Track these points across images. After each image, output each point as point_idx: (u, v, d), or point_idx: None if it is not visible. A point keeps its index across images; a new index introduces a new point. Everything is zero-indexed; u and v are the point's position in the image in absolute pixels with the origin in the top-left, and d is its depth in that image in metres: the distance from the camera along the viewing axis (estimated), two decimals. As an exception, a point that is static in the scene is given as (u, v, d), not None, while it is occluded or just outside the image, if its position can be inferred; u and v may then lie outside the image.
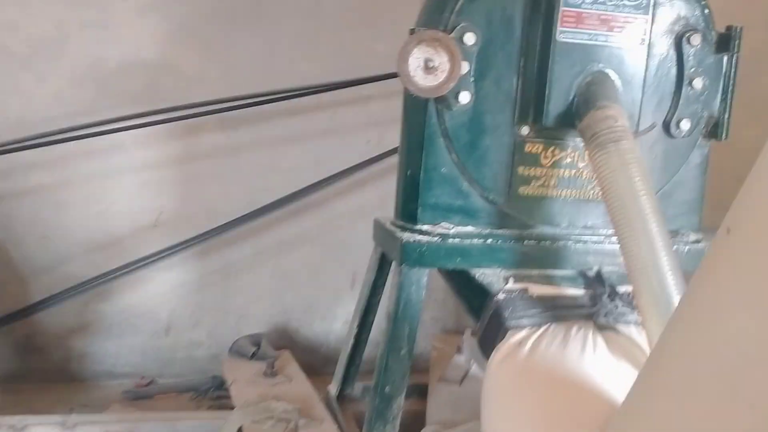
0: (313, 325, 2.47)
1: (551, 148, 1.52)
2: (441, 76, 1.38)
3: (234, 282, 2.40)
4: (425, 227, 1.50)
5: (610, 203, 1.29)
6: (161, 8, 2.19)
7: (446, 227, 1.50)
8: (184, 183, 2.33)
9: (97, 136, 2.14)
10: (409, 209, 1.55)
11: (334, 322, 2.47)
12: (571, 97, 1.44)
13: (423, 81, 1.38)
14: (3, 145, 2.13)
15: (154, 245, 2.30)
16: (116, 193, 2.29)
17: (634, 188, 1.27)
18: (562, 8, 1.41)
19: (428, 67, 1.37)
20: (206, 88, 2.23)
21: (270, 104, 2.21)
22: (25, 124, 2.15)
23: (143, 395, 2.23)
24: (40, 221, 2.25)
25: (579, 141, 1.48)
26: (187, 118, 2.19)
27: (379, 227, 1.68)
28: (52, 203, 2.25)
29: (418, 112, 1.50)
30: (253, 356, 2.15)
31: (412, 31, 1.42)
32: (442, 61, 1.36)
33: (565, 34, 1.42)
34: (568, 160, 1.53)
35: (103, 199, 2.28)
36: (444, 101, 1.44)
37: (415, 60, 1.37)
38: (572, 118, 1.43)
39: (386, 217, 1.66)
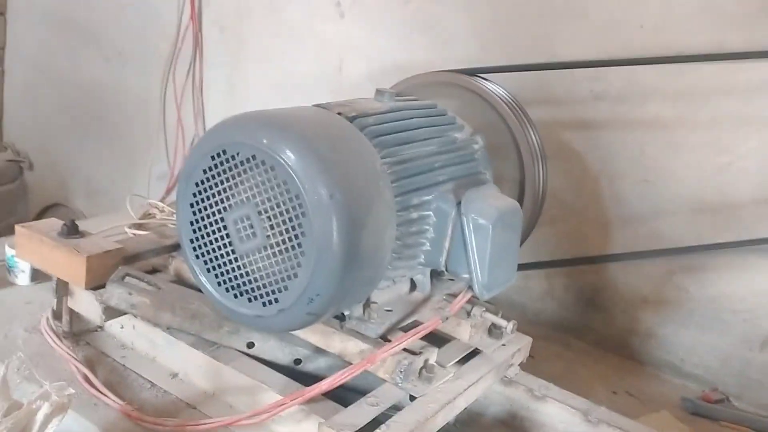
0: None
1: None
2: None
3: None
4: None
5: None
6: None
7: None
8: None
9: (747, 59, 1.59)
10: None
11: None
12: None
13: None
14: (623, 61, 1.77)
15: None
16: (747, 146, 1.72)
17: None
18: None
19: None
20: None
21: None
22: (660, 39, 1.75)
23: (706, 413, 1.69)
24: (644, 160, 1.84)
25: None
26: None
27: None
28: (663, 142, 1.81)
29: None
30: None
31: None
32: None
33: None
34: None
35: (729, 150, 1.74)
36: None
37: None
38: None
39: None
